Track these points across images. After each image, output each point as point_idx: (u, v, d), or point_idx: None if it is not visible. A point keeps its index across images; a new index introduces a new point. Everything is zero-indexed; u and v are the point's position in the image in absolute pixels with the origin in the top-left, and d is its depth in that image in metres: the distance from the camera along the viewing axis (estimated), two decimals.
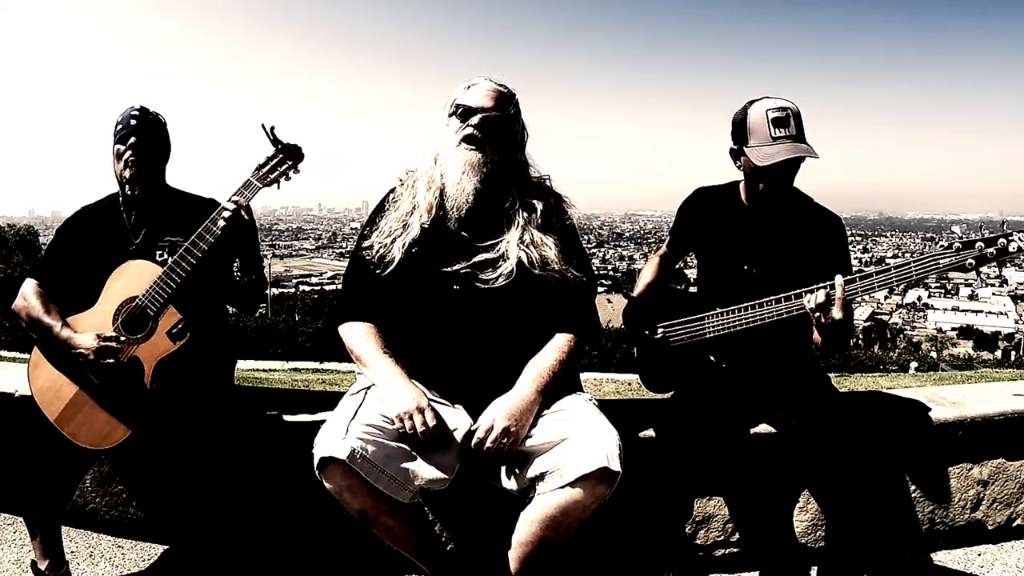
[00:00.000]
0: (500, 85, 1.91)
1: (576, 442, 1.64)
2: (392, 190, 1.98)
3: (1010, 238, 1.76)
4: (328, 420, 1.71)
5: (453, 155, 1.87)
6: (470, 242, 1.85)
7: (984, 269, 1.84)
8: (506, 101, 1.90)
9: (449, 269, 1.83)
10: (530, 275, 1.82)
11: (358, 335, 1.86)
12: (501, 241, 1.84)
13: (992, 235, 1.78)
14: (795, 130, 1.97)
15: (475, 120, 1.85)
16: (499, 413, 1.69)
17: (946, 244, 1.81)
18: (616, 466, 1.59)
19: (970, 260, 1.76)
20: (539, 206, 1.89)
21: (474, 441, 1.69)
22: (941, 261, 1.79)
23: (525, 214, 1.87)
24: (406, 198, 1.92)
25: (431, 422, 1.67)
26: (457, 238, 1.86)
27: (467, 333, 1.82)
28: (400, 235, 1.87)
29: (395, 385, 1.74)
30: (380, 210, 1.97)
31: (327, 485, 1.62)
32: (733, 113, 2.09)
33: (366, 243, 1.92)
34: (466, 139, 1.85)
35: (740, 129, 2.04)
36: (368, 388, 1.80)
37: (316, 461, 1.62)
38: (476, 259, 1.83)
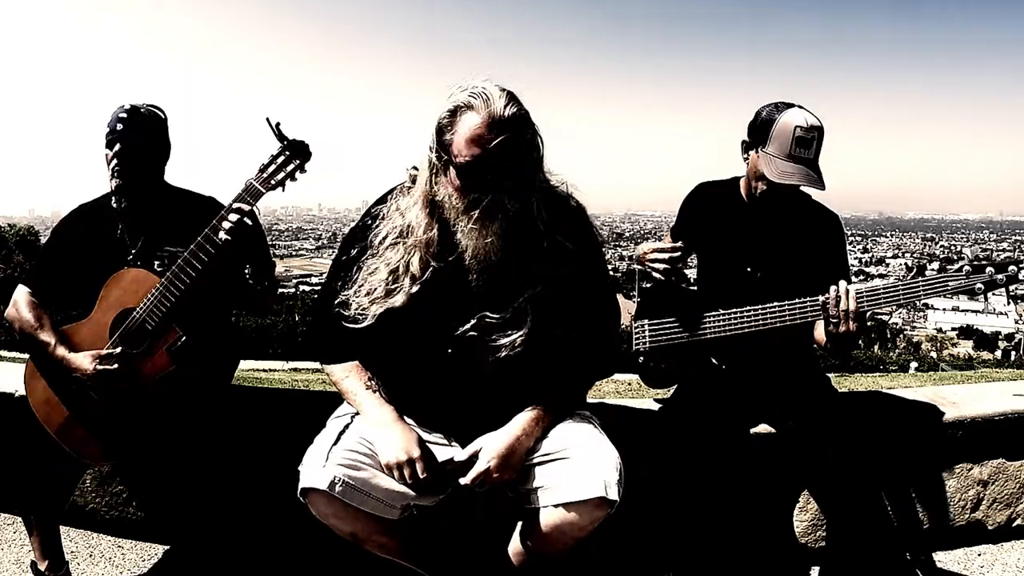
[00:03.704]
0: (501, 114, 1.49)
1: (576, 463, 1.57)
2: (383, 200, 1.72)
3: (1021, 264, 1.75)
4: (313, 444, 1.65)
5: (452, 224, 1.59)
6: (472, 296, 1.61)
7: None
8: (514, 134, 1.51)
9: (445, 329, 1.61)
10: (543, 329, 1.61)
11: (339, 374, 1.74)
12: (512, 300, 1.59)
13: (1003, 260, 1.78)
14: (813, 153, 1.98)
15: (476, 193, 1.52)
16: (489, 453, 1.58)
17: (956, 267, 1.81)
18: (614, 495, 1.52)
19: (979, 284, 1.76)
20: (562, 242, 1.62)
21: (462, 481, 1.60)
22: (950, 283, 1.78)
23: (542, 266, 1.60)
24: (394, 249, 1.63)
25: (422, 474, 1.57)
26: (453, 293, 1.61)
27: (464, 387, 1.66)
28: (381, 298, 1.62)
29: (385, 431, 1.61)
30: (363, 234, 1.70)
31: (312, 512, 1.58)
32: (759, 107, 2.06)
33: (337, 293, 1.68)
34: (470, 207, 1.54)
35: (763, 129, 2.01)
36: (355, 413, 1.71)
37: (299, 490, 1.56)
38: (480, 320, 1.60)
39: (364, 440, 1.63)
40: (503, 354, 1.60)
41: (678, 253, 2.09)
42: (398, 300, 1.61)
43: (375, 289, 1.63)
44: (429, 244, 1.61)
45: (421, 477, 1.57)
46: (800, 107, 2.01)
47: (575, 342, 1.67)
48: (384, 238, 1.66)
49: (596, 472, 1.54)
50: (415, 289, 1.61)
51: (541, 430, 1.64)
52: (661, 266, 2.10)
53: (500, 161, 1.51)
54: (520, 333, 1.59)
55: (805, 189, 2.12)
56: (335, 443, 1.62)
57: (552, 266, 1.61)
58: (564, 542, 1.59)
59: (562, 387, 1.71)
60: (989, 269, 1.76)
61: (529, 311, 1.60)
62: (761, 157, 2.01)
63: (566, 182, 1.70)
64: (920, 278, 1.81)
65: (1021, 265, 1.75)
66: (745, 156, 2.11)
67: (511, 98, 1.53)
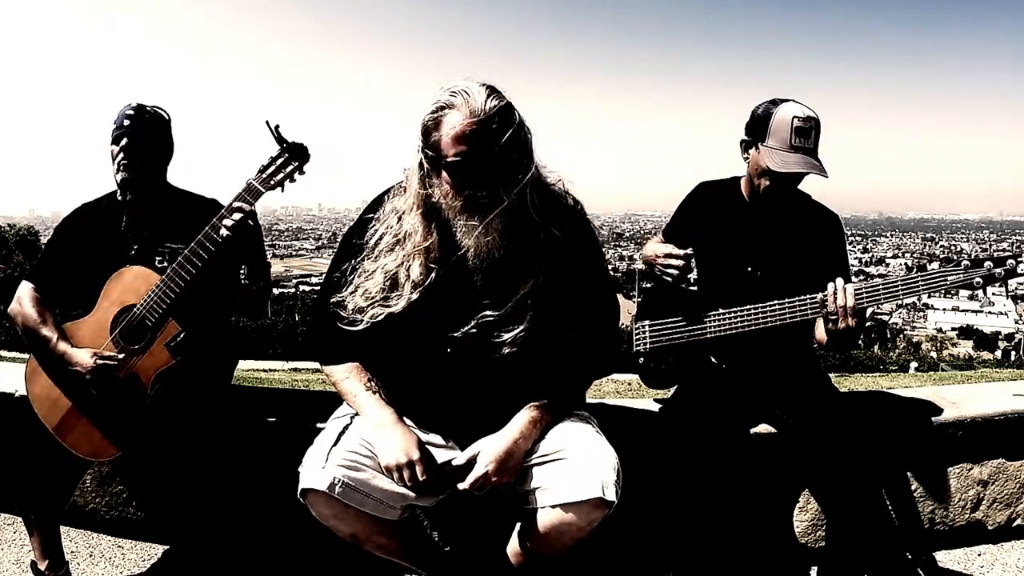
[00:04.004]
0: (483, 108, 1.49)
1: (573, 463, 1.57)
2: (379, 201, 1.72)
3: (1019, 259, 1.76)
4: (312, 445, 1.64)
5: (450, 224, 1.59)
6: (476, 296, 1.61)
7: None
8: (500, 126, 1.49)
9: (445, 330, 1.61)
10: (543, 325, 1.61)
11: (340, 375, 1.74)
12: (510, 297, 1.59)
13: (1001, 255, 1.78)
14: (812, 143, 1.99)
15: (471, 190, 1.52)
16: (487, 456, 1.58)
17: (955, 262, 1.81)
18: (611, 495, 1.51)
19: (978, 279, 1.76)
20: (558, 235, 1.61)
21: (460, 486, 1.60)
22: (949, 277, 1.79)
23: (540, 259, 1.59)
24: (391, 253, 1.63)
25: (421, 476, 1.57)
26: (455, 295, 1.62)
27: (463, 388, 1.67)
28: (379, 303, 1.62)
29: (384, 433, 1.62)
30: (360, 236, 1.69)
31: (312, 513, 1.58)
32: (755, 105, 2.07)
33: (336, 294, 1.68)
34: (467, 205, 1.55)
35: (761, 125, 2.03)
36: (355, 414, 1.72)
37: (299, 491, 1.57)
38: (479, 319, 1.60)
39: (364, 441, 1.63)
40: (505, 351, 1.59)
41: (690, 261, 2.11)
42: (398, 306, 1.61)
43: (372, 293, 1.63)
44: (430, 250, 1.61)
45: (420, 479, 1.58)
46: (795, 101, 2.03)
47: (574, 340, 1.66)
48: (380, 241, 1.66)
49: (594, 473, 1.54)
50: (415, 295, 1.61)
51: (539, 431, 1.64)
52: (674, 272, 2.11)
53: (489, 155, 1.50)
54: (520, 329, 1.59)
55: (804, 189, 2.12)
56: (335, 444, 1.62)
57: (549, 259, 1.61)
58: (562, 543, 1.59)
59: (561, 387, 1.70)
60: (988, 263, 1.76)
61: (529, 307, 1.59)
62: (763, 151, 2.02)
63: (562, 179, 1.69)
64: (919, 273, 1.81)
65: (1020, 259, 1.76)
66: (745, 155, 2.12)
67: (492, 91, 1.52)
